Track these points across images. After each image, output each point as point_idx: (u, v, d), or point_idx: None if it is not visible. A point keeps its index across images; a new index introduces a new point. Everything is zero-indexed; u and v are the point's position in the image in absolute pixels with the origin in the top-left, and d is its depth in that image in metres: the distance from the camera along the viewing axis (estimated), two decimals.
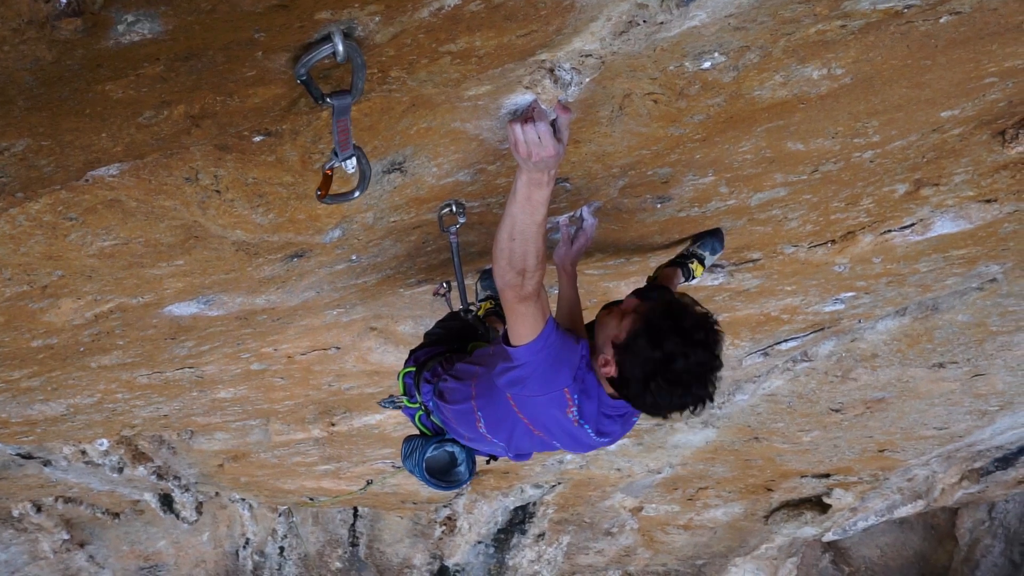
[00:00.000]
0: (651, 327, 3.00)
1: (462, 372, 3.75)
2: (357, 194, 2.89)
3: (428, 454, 4.11)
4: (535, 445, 3.61)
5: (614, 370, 3.10)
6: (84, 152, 2.36)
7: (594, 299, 5.14)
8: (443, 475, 4.20)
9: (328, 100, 2.30)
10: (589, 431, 3.34)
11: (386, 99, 2.62)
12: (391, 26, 2.14)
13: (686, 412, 3.02)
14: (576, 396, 3.23)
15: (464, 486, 4.49)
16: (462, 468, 4.17)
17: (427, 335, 4.42)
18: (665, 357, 2.93)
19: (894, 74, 3.17)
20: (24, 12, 1.62)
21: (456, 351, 4.05)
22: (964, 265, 5.60)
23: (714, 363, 2.98)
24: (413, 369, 4.06)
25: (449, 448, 4.11)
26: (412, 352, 4.22)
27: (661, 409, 3.05)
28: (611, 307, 3.32)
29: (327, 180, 2.73)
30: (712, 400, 3.03)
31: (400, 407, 4.21)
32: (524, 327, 3.14)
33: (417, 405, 4.07)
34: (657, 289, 3.69)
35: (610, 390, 3.27)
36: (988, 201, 4.74)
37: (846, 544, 12.73)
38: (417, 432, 4.22)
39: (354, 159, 2.67)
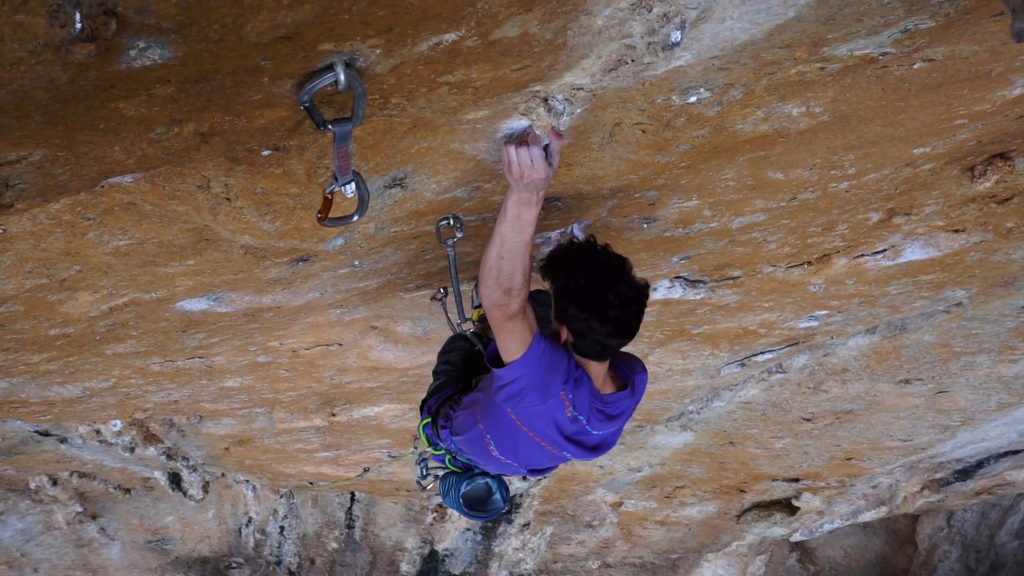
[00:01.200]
0: (559, 286, 3.15)
1: (467, 402, 3.77)
2: (356, 218, 2.88)
3: (463, 490, 4.13)
4: (546, 459, 3.61)
5: (567, 332, 3.20)
6: (98, 163, 2.35)
7: None
8: (481, 505, 4.22)
9: (329, 127, 2.28)
10: (585, 424, 3.35)
11: (388, 121, 2.62)
12: (391, 58, 2.13)
13: (632, 305, 3.13)
14: (571, 394, 3.24)
15: (501, 512, 4.49)
16: (497, 496, 4.20)
17: (435, 374, 4.39)
18: (581, 287, 3.09)
19: (870, 113, 3.17)
20: (40, 36, 1.61)
21: (462, 390, 4.05)
22: (932, 289, 5.59)
23: (613, 263, 3.15)
24: (429, 420, 4.07)
25: (481, 480, 4.13)
26: (423, 403, 4.21)
27: (617, 321, 3.12)
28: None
29: (327, 204, 2.72)
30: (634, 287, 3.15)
31: (428, 460, 4.27)
32: (514, 343, 3.14)
33: (443, 452, 4.10)
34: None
35: (599, 383, 3.33)
36: (956, 231, 4.73)
37: (812, 544, 12.73)
38: (450, 471, 4.24)
39: (353, 184, 2.66)
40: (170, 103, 2.04)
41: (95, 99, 1.91)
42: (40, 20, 1.58)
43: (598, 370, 3.31)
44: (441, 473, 4.33)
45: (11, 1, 1.54)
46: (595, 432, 3.44)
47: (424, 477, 4.39)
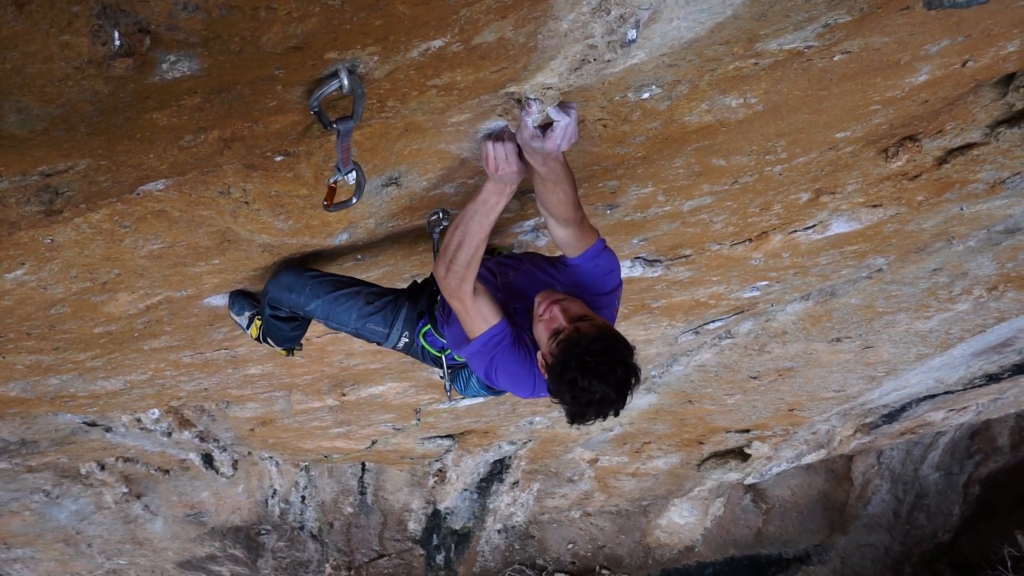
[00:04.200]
0: (565, 366, 2.80)
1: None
2: (354, 200, 2.88)
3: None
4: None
5: (545, 374, 2.97)
6: (136, 170, 2.35)
7: None
8: None
9: (335, 126, 2.30)
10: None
11: (384, 125, 2.62)
12: (387, 64, 2.13)
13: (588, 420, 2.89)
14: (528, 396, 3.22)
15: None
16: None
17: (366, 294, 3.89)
18: (574, 396, 2.79)
19: (797, 103, 3.19)
20: (85, 53, 1.61)
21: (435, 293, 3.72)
22: (856, 258, 5.64)
23: (610, 396, 2.79)
24: (430, 326, 3.72)
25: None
26: (419, 315, 3.76)
27: (568, 415, 2.90)
28: (545, 304, 3.01)
29: (331, 192, 2.73)
30: (605, 417, 2.85)
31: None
32: (464, 323, 3.10)
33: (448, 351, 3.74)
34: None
35: None
36: (875, 206, 4.77)
37: (763, 486, 12.79)
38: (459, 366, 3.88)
39: (353, 172, 2.68)
40: (197, 112, 2.04)
41: (132, 110, 1.91)
42: (83, 39, 1.59)
43: None
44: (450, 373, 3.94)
45: (58, 23, 1.54)
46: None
47: (450, 388, 3.97)
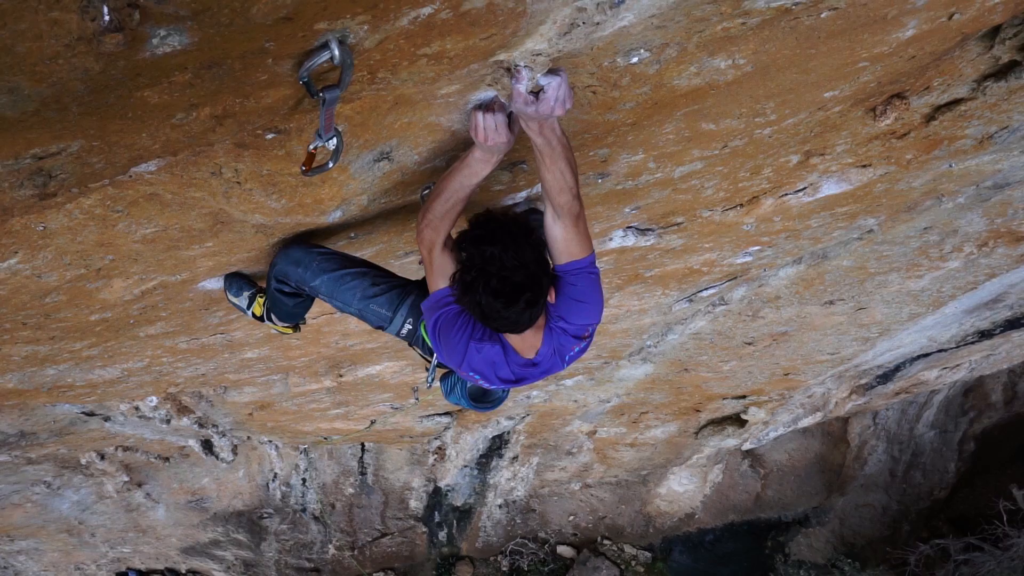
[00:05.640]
0: (463, 274, 2.95)
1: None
2: (331, 165, 2.88)
3: (468, 386, 3.99)
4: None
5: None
6: (128, 150, 2.34)
7: None
8: (485, 397, 4.03)
9: (321, 94, 2.30)
10: (479, 381, 3.35)
11: (374, 97, 2.61)
12: (377, 33, 2.13)
13: (510, 308, 2.93)
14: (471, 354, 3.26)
15: (501, 404, 4.13)
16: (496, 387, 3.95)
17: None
18: (468, 241, 2.94)
19: (786, 62, 3.18)
20: (74, 30, 1.61)
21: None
22: (847, 220, 5.65)
23: (491, 234, 2.90)
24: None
25: None
26: (421, 313, 3.77)
27: (492, 313, 2.96)
28: None
29: (311, 157, 2.75)
30: (519, 294, 2.90)
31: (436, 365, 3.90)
32: (428, 277, 3.22)
33: None
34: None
35: (518, 347, 3.19)
36: (864, 166, 4.78)
37: (761, 451, 12.89)
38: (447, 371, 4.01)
39: (334, 139, 2.68)
40: (188, 88, 2.03)
41: (124, 88, 1.90)
42: (73, 16, 1.58)
43: (514, 338, 3.20)
44: (441, 373, 4.02)
45: (46, 0, 1.53)
46: (492, 386, 3.36)
47: (431, 384, 4.04)
